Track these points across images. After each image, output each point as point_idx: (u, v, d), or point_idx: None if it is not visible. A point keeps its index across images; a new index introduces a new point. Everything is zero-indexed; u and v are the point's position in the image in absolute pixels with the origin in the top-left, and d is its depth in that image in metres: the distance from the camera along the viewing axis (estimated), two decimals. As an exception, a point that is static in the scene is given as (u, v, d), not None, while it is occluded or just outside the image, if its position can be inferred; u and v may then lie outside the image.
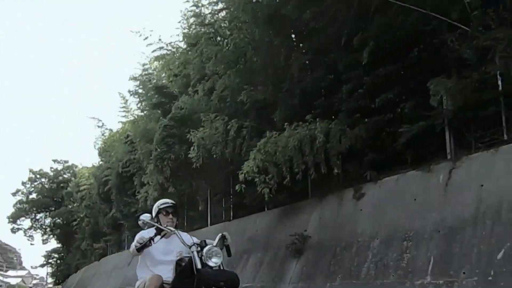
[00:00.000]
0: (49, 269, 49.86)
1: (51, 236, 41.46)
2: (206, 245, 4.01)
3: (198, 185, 12.80)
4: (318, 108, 10.15)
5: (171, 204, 4.67)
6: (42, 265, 47.63)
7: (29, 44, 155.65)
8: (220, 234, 4.21)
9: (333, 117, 9.71)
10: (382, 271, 8.17)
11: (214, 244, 4.06)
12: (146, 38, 16.19)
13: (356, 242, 9.19)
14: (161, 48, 15.29)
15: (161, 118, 14.95)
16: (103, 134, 26.91)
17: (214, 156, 10.35)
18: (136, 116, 19.96)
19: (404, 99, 8.72)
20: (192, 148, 10.44)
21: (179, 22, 16.20)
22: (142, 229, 4.52)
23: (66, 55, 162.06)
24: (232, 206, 14.92)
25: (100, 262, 30.02)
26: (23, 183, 40.22)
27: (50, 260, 45.91)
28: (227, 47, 11.67)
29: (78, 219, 32.39)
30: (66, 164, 38.82)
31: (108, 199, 24.43)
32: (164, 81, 16.22)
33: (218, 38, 12.75)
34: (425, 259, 7.53)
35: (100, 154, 27.50)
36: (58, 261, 44.19)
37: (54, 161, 39.22)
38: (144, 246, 4.21)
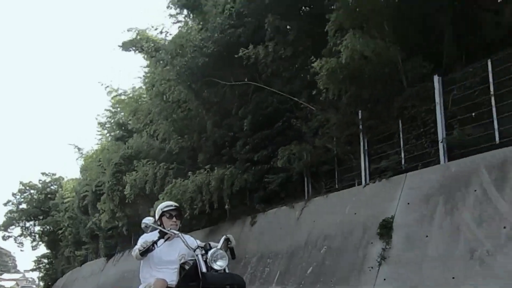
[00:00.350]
0: (40, 273, 52.75)
1: (40, 242, 44.58)
2: (210, 248, 3.97)
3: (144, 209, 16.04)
4: (225, 155, 13.47)
5: (174, 207, 4.61)
6: (33, 270, 50.82)
7: (26, 41, 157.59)
8: (224, 237, 4.18)
9: (234, 163, 13.01)
10: (253, 280, 11.46)
11: (219, 247, 4.02)
12: (107, 87, 19.42)
13: (244, 258, 12.48)
14: (120, 94, 18.54)
15: (122, 149, 18.23)
16: (81, 156, 30.08)
17: (146, 191, 13.63)
18: (107, 141, 23.16)
19: (276, 155, 11.99)
20: (126, 186, 13.73)
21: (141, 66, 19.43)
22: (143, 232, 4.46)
23: (61, 52, 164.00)
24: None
25: (81, 267, 33.15)
26: (14, 194, 43.45)
27: (40, 265, 48.98)
28: (165, 101, 14.97)
29: (63, 228, 35.44)
30: (53, 177, 41.98)
31: (86, 212, 27.42)
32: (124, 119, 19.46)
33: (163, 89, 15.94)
34: (275, 272, 10.83)
35: (81, 171, 30.66)
36: (47, 266, 47.24)
37: (43, 173, 42.46)
38: (147, 250, 4.16)
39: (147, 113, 16.20)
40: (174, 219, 4.51)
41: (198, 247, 4.02)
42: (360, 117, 10.21)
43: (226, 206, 12.10)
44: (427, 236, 7.65)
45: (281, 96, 11.36)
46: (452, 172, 8.04)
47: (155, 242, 4.17)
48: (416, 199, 8.35)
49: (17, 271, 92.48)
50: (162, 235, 4.23)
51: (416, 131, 9.25)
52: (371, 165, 10.12)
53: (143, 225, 4.39)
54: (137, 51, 15.46)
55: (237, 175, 12.29)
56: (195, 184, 11.67)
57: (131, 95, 18.62)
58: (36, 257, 48.60)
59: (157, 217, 4.58)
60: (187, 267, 4.16)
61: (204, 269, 3.81)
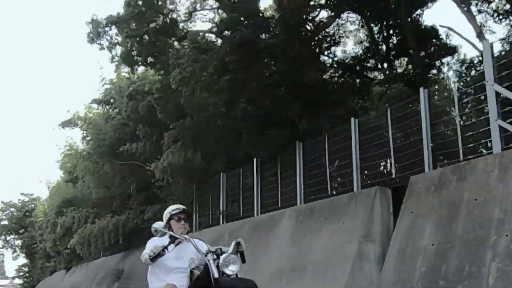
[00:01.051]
0: (21, 281, 58.73)
1: (20, 254, 50.75)
2: (222, 252, 4.00)
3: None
4: (127, 204, 19.79)
5: (182, 210, 4.62)
6: (13, 277, 56.93)
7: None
8: (234, 241, 4.24)
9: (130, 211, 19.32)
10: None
11: (230, 251, 4.05)
12: (57, 145, 25.50)
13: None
14: (67, 149, 24.71)
15: (66, 193, 24.44)
16: (48, 188, 36.33)
17: (72, 231, 19.91)
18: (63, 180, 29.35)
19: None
20: (59, 226, 20.02)
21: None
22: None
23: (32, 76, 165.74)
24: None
25: (51, 276, 39.26)
26: (-4, 213, 49.74)
27: (20, 273, 55.19)
28: (91, 161, 21.22)
29: (37, 243, 41.44)
30: (31, 197, 48.05)
31: (53, 231, 33.65)
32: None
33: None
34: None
35: (49, 197, 36.79)
36: (26, 274, 53.39)
37: (22, 194, 48.67)
38: (158, 255, 4.14)
39: (83, 167, 22.39)
40: (182, 222, 4.56)
41: (209, 251, 4.08)
42: (194, 191, 16.58)
43: (120, 241, 18.36)
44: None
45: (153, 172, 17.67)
46: (221, 230, 14.38)
47: (165, 247, 4.20)
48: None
49: (6, 277, 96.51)
50: (173, 239, 4.27)
51: (214, 204, 15.62)
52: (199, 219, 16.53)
53: (153, 229, 4.50)
54: (73, 127, 21.71)
55: (130, 220, 18.58)
56: (99, 228, 17.94)
57: (77, 149, 24.67)
58: (18, 266, 54.84)
59: (165, 221, 4.60)
60: (197, 272, 4.24)
61: (216, 274, 3.88)
